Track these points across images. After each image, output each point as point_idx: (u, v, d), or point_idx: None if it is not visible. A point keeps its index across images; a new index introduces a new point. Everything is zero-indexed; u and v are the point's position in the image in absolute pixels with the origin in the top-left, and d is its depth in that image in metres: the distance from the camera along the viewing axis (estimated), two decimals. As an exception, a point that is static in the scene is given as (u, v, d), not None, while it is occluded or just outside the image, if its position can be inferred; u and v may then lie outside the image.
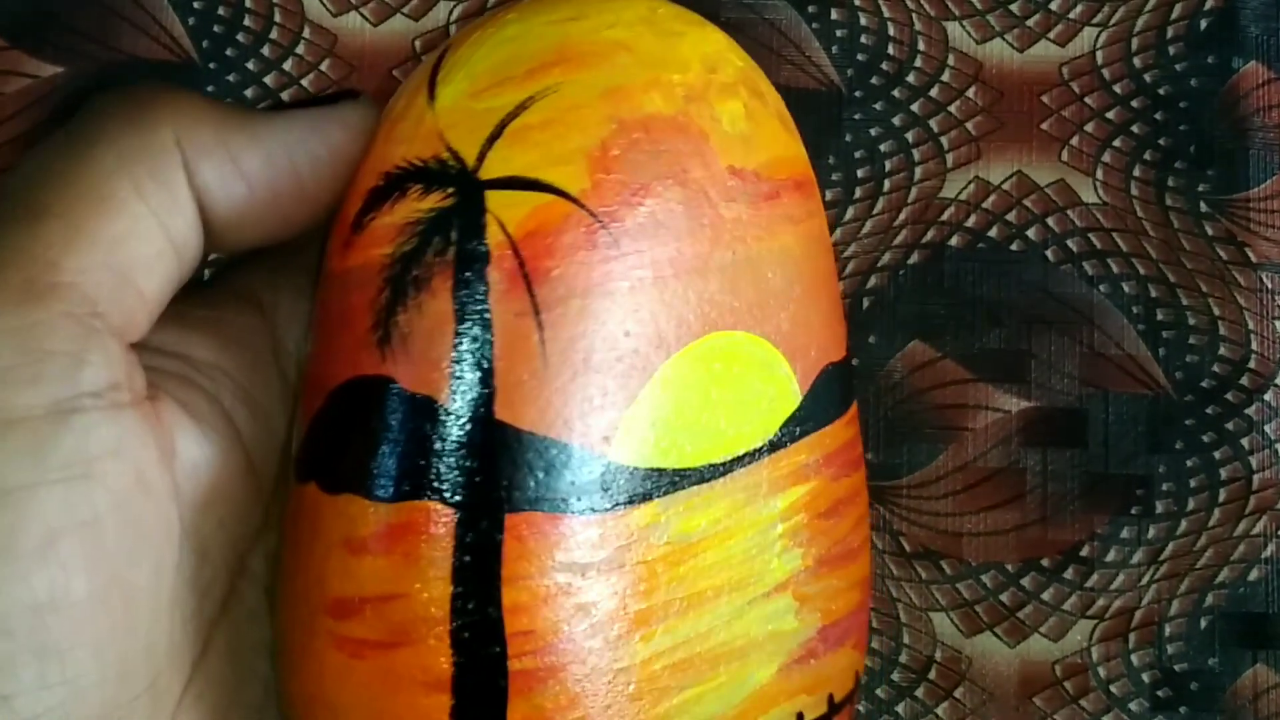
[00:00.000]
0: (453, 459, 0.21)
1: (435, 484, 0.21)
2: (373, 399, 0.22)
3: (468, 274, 0.21)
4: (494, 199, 0.22)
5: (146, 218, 0.22)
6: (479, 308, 0.21)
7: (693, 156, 0.23)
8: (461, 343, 0.21)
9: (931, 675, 0.39)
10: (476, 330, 0.21)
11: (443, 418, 0.21)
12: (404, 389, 0.22)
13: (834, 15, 0.41)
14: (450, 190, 0.22)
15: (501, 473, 0.21)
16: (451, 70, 0.23)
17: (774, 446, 0.24)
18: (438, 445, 0.21)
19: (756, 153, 0.24)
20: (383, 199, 0.23)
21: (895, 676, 0.39)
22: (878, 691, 0.39)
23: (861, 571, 0.26)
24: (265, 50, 0.41)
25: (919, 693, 0.39)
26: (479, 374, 0.21)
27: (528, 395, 0.21)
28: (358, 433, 0.22)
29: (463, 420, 0.21)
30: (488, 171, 0.22)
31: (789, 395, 0.24)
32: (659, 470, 0.22)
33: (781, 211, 0.24)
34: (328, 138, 0.23)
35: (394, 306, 0.22)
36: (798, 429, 0.24)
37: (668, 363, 0.22)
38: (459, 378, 0.21)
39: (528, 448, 0.21)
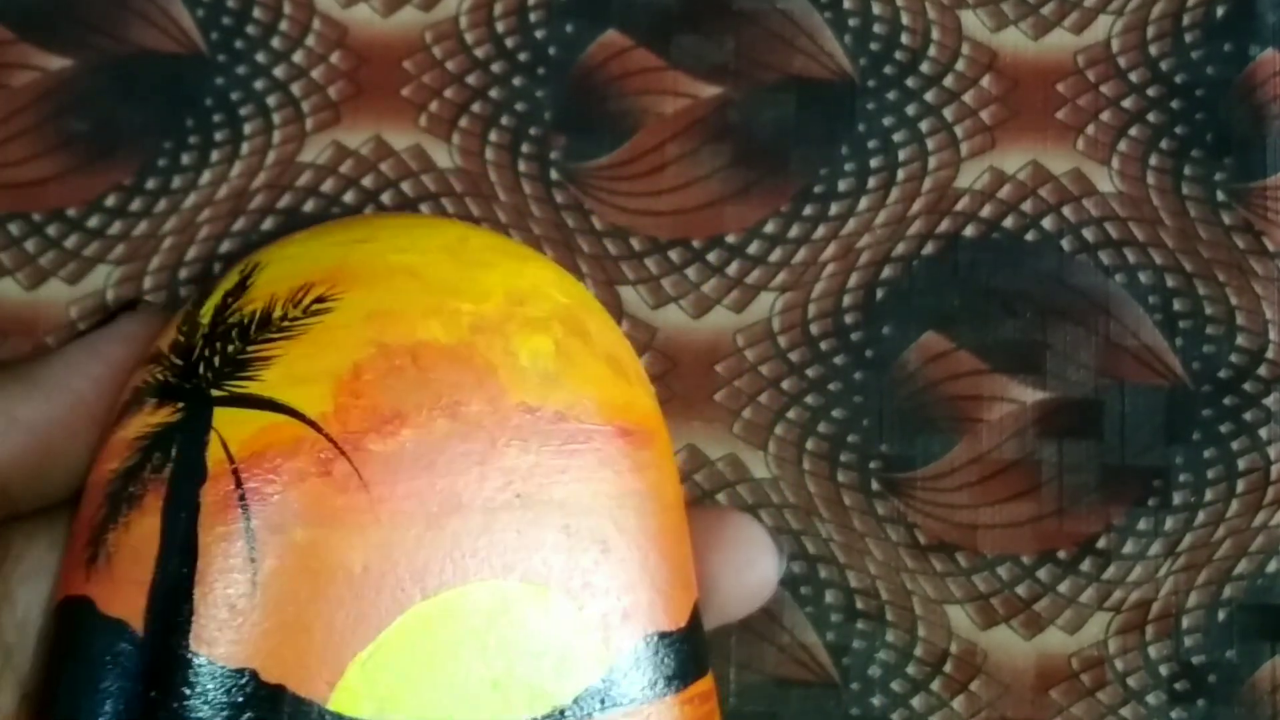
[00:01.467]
0: (141, 690, 0.20)
1: (126, 717, 0.19)
2: (71, 619, 0.20)
3: (180, 492, 0.20)
4: (222, 416, 0.20)
5: None
6: (185, 529, 0.20)
7: (473, 389, 0.21)
8: (163, 565, 0.20)
9: (947, 668, 0.38)
10: (179, 553, 0.20)
11: (134, 645, 0.20)
12: (101, 611, 0.20)
13: (846, 4, 0.41)
14: (180, 405, 0.21)
15: (193, 712, 0.19)
16: (221, 284, 0.22)
17: (565, 718, 0.21)
18: (128, 674, 0.20)
19: (562, 392, 0.22)
20: (124, 413, 0.22)
21: (910, 670, 0.38)
22: (893, 685, 0.38)
23: None
24: (274, 42, 0.41)
25: (934, 686, 0.38)
26: (176, 601, 0.20)
27: (233, 628, 0.19)
28: (63, 658, 0.20)
29: (154, 649, 0.20)
30: (224, 386, 0.20)
31: (589, 661, 0.21)
32: None
33: (594, 458, 0.22)
34: (107, 357, 0.23)
35: (106, 524, 0.21)
36: (601, 701, 0.21)
37: (414, 608, 0.20)
38: (156, 603, 0.20)
39: (224, 685, 0.19)
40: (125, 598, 0.20)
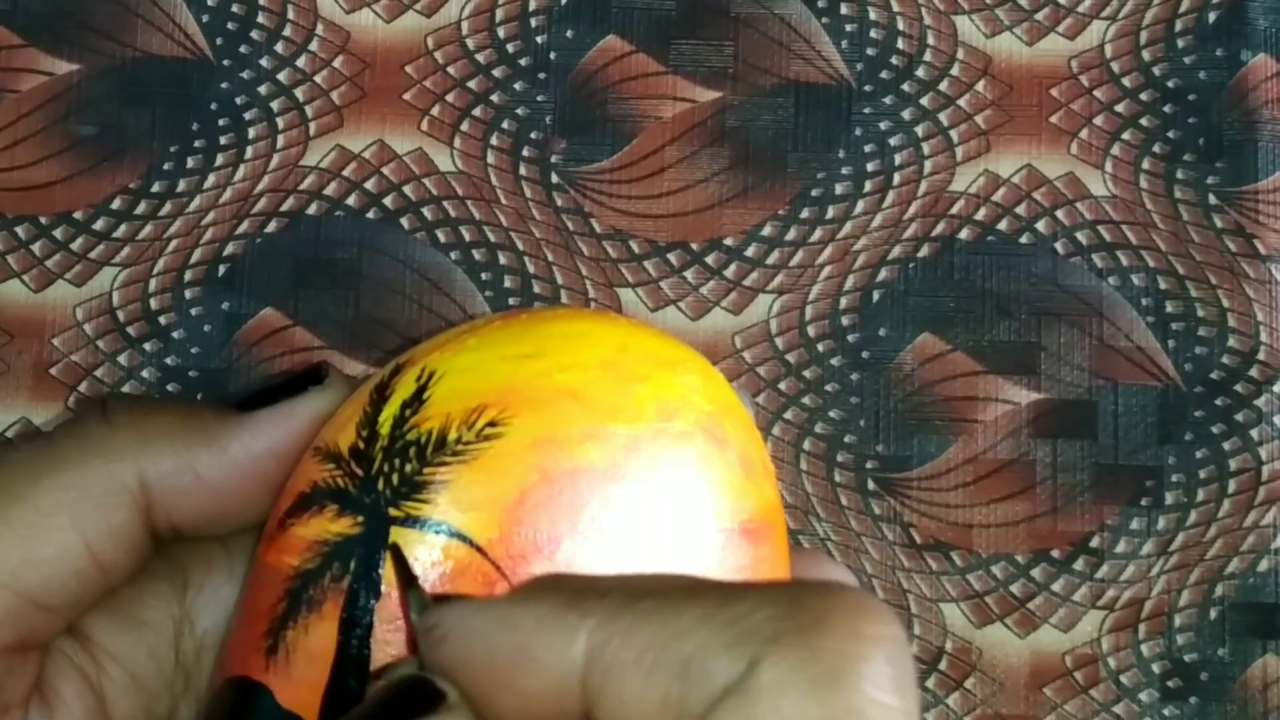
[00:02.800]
0: None
1: None
2: (250, 703, 0.22)
3: (356, 606, 0.21)
4: (398, 535, 0.22)
5: (75, 546, 0.23)
6: (359, 642, 0.21)
7: (624, 508, 0.22)
8: (337, 673, 0.21)
9: (942, 666, 0.39)
10: (353, 664, 0.21)
11: None
12: (278, 703, 0.22)
13: (843, 10, 0.41)
14: (359, 519, 0.22)
15: None
16: (398, 389, 0.23)
17: None
18: None
19: (696, 499, 0.23)
20: (304, 508, 0.23)
21: (906, 667, 0.39)
22: (889, 682, 0.39)
23: None
24: (279, 47, 0.41)
25: (930, 683, 0.39)
26: (349, 706, 0.21)
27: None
28: None
29: None
30: (400, 506, 0.22)
31: None
32: None
33: (719, 558, 0.23)
34: (292, 434, 0.24)
35: (287, 620, 0.22)
36: None
37: None
38: (330, 706, 0.21)
39: None
40: (301, 695, 0.22)
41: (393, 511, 0.22)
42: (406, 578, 0.21)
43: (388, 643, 0.21)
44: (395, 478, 0.22)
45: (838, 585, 0.18)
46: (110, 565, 0.24)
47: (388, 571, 0.22)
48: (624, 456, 0.22)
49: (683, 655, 0.17)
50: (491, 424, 0.22)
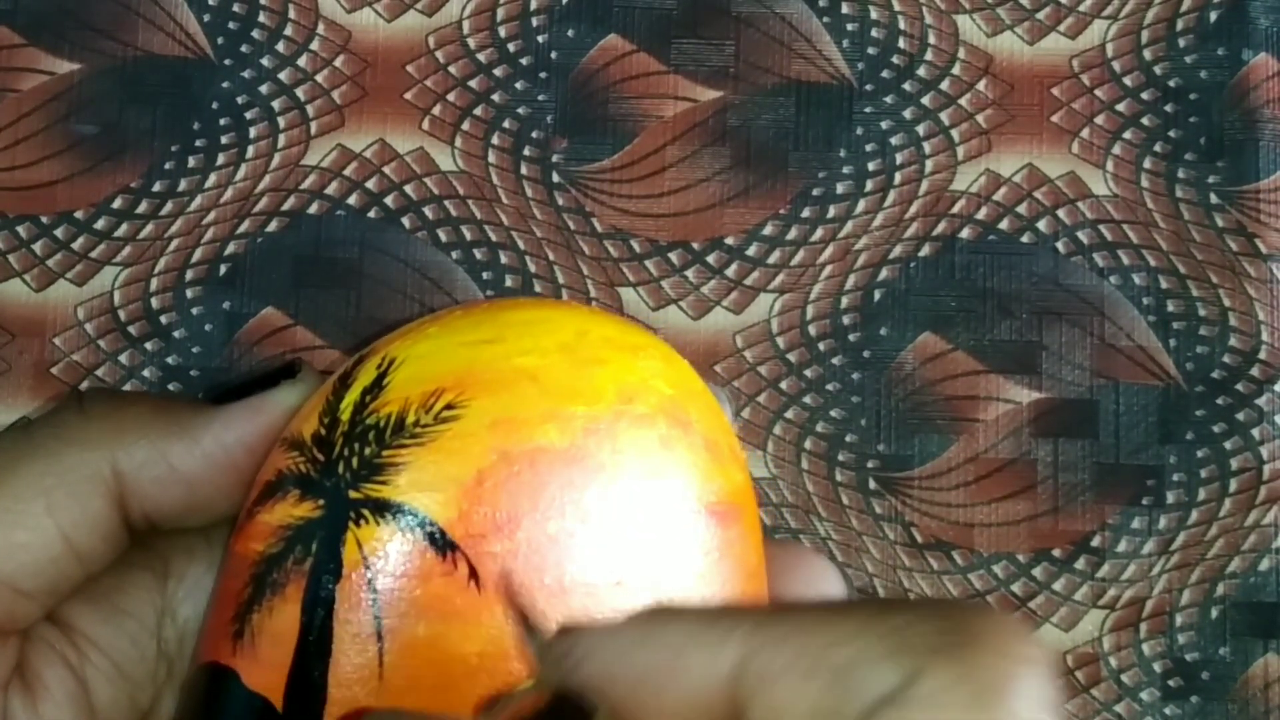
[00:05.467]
0: None
1: None
2: (220, 687, 0.23)
3: (318, 587, 0.22)
4: (359, 525, 0.22)
5: (50, 532, 0.23)
6: (321, 621, 0.22)
7: (582, 488, 0.23)
8: (301, 652, 0.22)
9: (943, 665, 0.39)
10: (316, 642, 0.22)
11: (274, 719, 0.22)
12: (245, 685, 0.22)
13: (844, 9, 0.41)
14: (321, 502, 0.23)
15: None
16: (359, 377, 0.24)
17: None
18: None
19: (660, 481, 0.24)
20: (270, 495, 0.23)
21: (907, 666, 0.39)
22: (890, 681, 0.39)
23: None
24: (280, 46, 0.41)
25: (931, 682, 0.39)
26: (313, 686, 0.22)
27: (363, 712, 0.22)
28: (203, 715, 0.23)
29: None
30: (360, 489, 0.22)
31: None
32: None
33: (686, 540, 0.24)
34: (263, 426, 0.25)
35: (252, 604, 0.22)
36: None
37: (523, 687, 0.22)
38: (294, 686, 0.22)
39: None
40: (267, 677, 0.22)
41: (353, 494, 0.22)
42: (522, 618, 0.22)
43: (349, 622, 0.22)
44: (355, 461, 0.22)
45: (989, 607, 0.18)
46: (86, 552, 0.24)
47: (349, 552, 0.22)
48: (583, 437, 0.23)
49: (838, 663, 0.17)
50: (449, 406, 0.22)
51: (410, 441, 0.22)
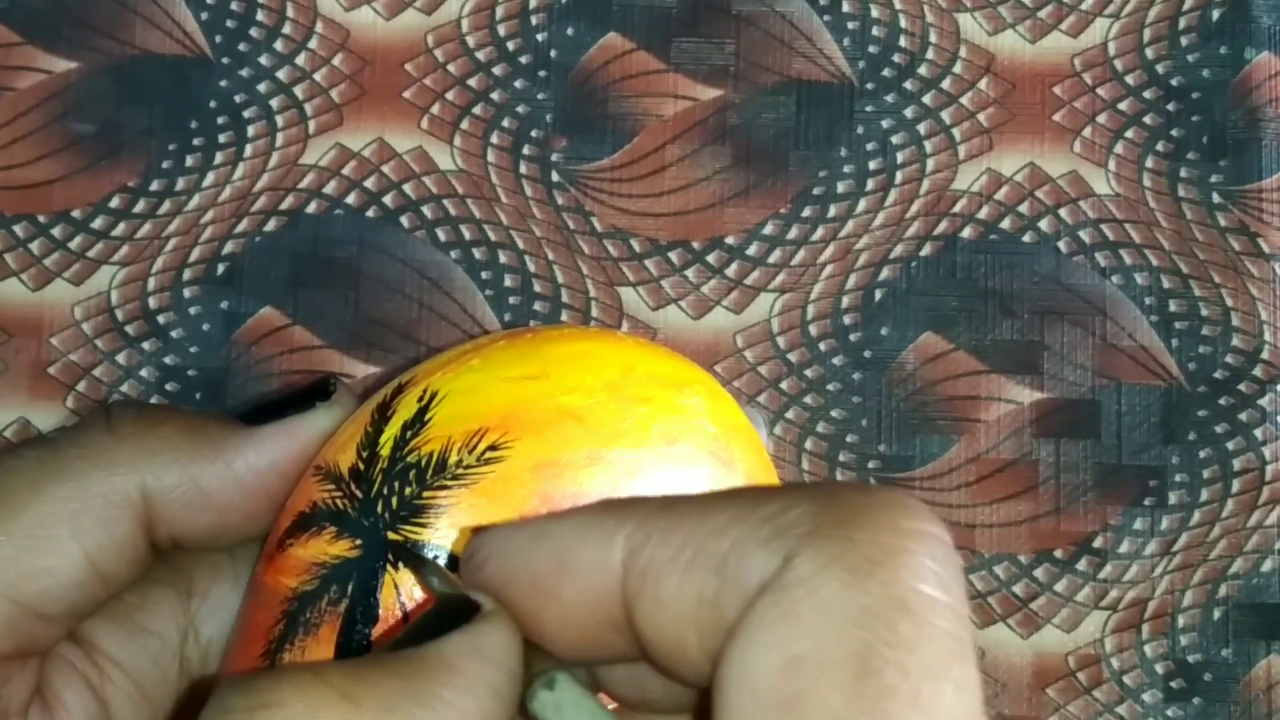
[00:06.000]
0: None
1: None
2: None
3: (353, 631, 0.22)
4: (396, 570, 0.22)
5: (75, 557, 0.23)
6: None
7: None
8: None
9: (945, 666, 0.39)
10: None
11: None
12: None
13: (845, 8, 0.41)
14: (358, 542, 0.22)
15: None
16: (400, 410, 0.23)
17: None
18: None
19: None
20: (303, 529, 0.23)
21: (908, 668, 0.39)
22: (891, 683, 0.39)
23: None
24: (278, 45, 0.41)
25: (932, 684, 0.39)
26: None
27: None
28: None
29: None
30: (399, 530, 0.22)
31: None
32: None
33: None
34: (297, 450, 0.24)
35: (284, 642, 0.22)
36: None
37: None
38: None
39: None
40: None
41: (391, 535, 0.22)
42: (416, 560, 0.21)
43: None
44: (395, 501, 0.22)
45: (875, 485, 0.18)
46: (110, 576, 0.24)
47: (385, 595, 0.22)
48: (627, 481, 0.22)
49: (719, 552, 0.17)
50: (493, 447, 0.22)
51: (452, 483, 0.22)
